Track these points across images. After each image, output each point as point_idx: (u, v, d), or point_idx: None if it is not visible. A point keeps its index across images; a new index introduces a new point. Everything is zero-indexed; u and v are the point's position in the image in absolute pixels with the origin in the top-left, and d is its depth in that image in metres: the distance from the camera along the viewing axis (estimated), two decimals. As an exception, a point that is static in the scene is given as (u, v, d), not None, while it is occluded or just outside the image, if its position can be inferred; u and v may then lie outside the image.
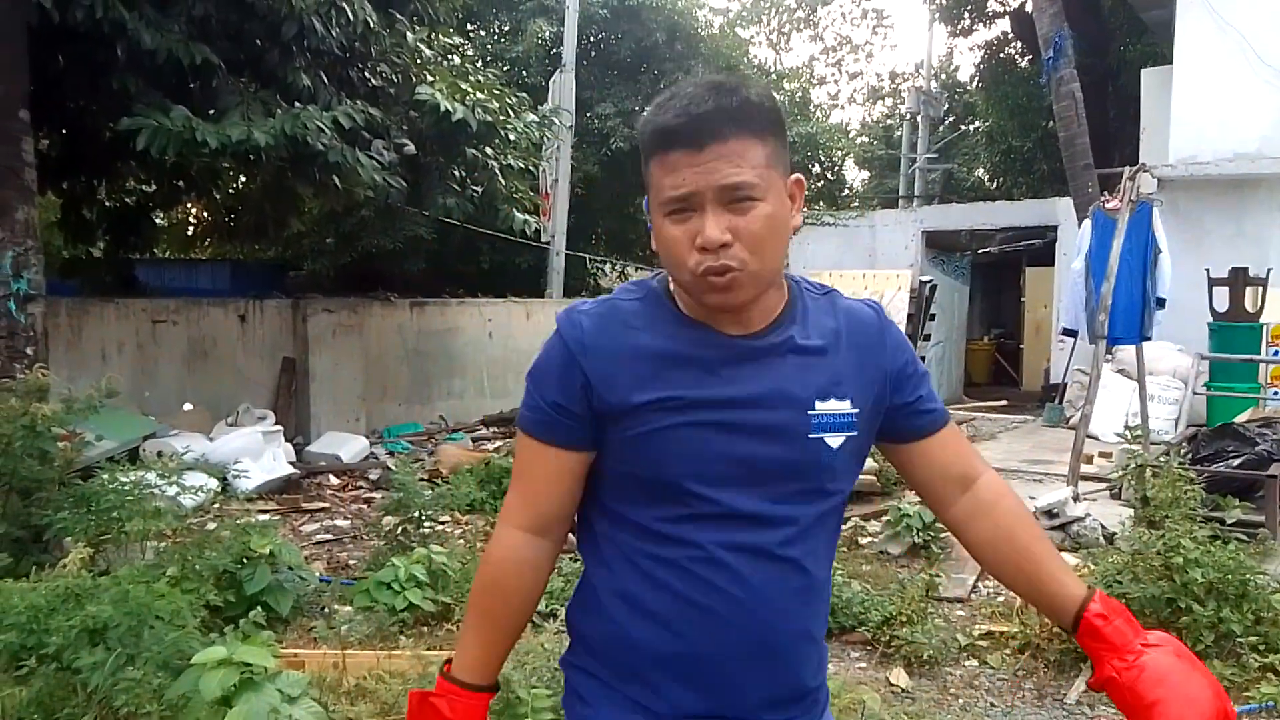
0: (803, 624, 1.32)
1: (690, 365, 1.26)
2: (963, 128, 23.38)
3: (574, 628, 1.40)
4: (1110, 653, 1.24)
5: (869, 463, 6.96)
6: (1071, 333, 7.66)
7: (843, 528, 5.95)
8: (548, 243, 12.14)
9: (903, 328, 12.65)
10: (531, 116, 9.24)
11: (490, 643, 1.36)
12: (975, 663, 4.07)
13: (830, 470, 1.30)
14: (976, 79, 21.78)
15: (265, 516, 5.89)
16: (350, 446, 8.59)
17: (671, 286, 1.32)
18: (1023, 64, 18.62)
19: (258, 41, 7.02)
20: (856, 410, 1.31)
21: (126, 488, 4.23)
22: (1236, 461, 5.81)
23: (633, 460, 1.27)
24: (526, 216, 9.52)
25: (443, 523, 5.79)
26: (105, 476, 4.31)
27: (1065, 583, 1.31)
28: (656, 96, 1.28)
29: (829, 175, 21.49)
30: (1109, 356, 8.16)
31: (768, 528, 1.27)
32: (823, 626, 1.37)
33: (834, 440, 1.29)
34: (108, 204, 9.62)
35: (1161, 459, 4.95)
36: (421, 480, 5.72)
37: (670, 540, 1.27)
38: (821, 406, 1.29)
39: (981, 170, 23.07)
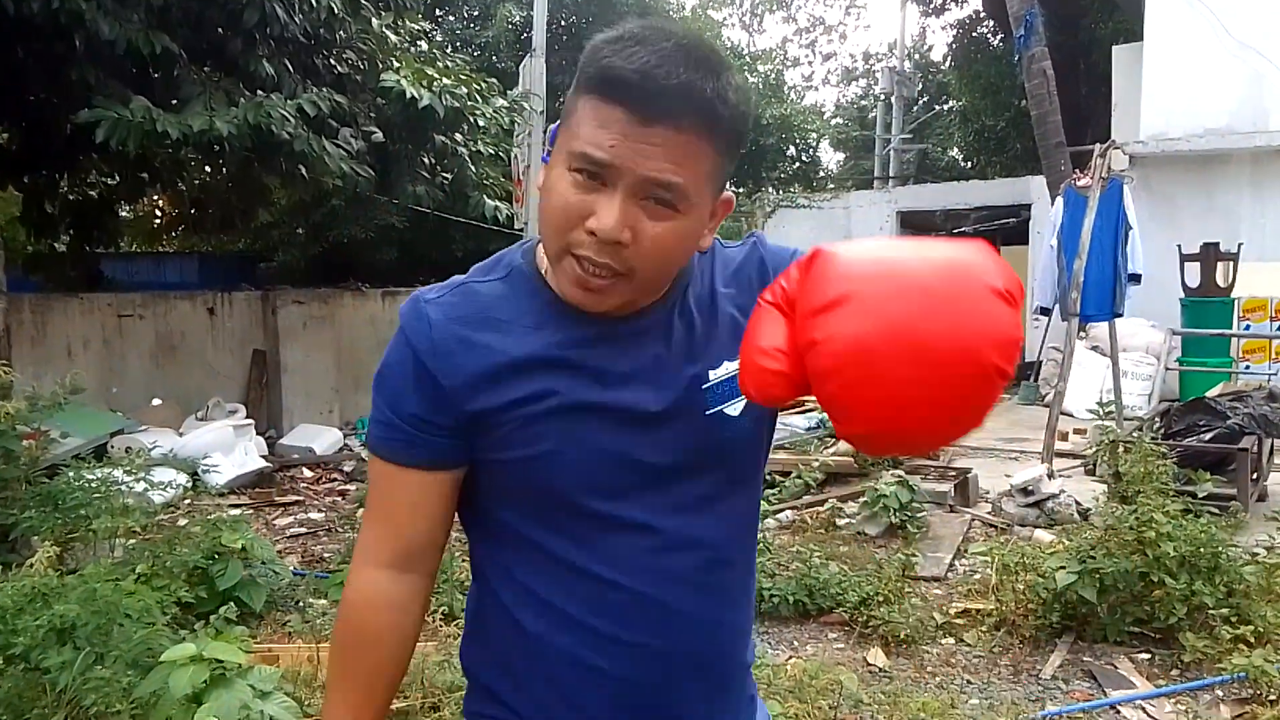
0: (734, 640, 1.19)
1: (564, 363, 1.07)
2: (936, 108, 23.45)
3: (474, 664, 1.21)
4: None
5: (844, 444, 6.93)
6: (1046, 311, 7.70)
7: (821, 510, 5.95)
8: (521, 229, 12.03)
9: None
10: (501, 102, 9.15)
11: (359, 705, 1.14)
12: (952, 641, 4.08)
13: (735, 446, 1.13)
14: (949, 59, 21.81)
15: (237, 511, 5.83)
16: (323, 439, 8.52)
17: (540, 262, 1.11)
18: (995, 43, 18.65)
19: (219, 30, 6.90)
20: None
21: (94, 485, 4.17)
22: (1208, 436, 5.85)
23: (516, 476, 1.08)
24: (498, 203, 9.44)
25: (418, 513, 5.74)
26: (72, 474, 4.25)
27: None
28: (624, 24, 1.04)
29: (804, 157, 21.46)
30: (1082, 334, 8.20)
31: (684, 547, 1.10)
32: (749, 617, 1.24)
33: (735, 408, 1.11)
34: (70, 197, 9.44)
35: (1134, 434, 4.98)
36: (396, 471, 5.68)
37: (576, 570, 1.09)
38: (715, 374, 1.10)
39: (955, 150, 23.14)
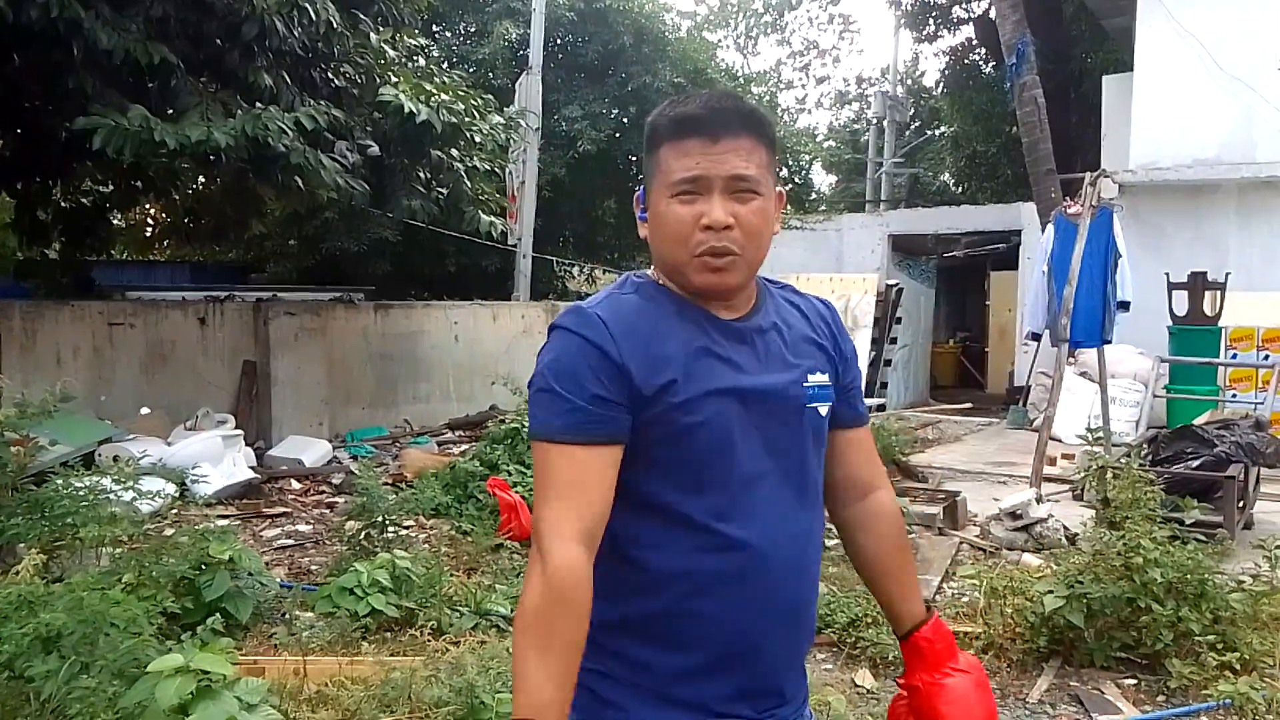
0: (812, 594, 1.46)
1: (704, 351, 1.33)
2: (928, 133, 23.60)
3: (605, 622, 1.32)
4: (924, 669, 1.43)
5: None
6: (1036, 336, 7.74)
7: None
8: (514, 245, 12.08)
9: (869, 331, 12.80)
10: (497, 118, 9.19)
11: (561, 675, 1.19)
12: (940, 663, 4.08)
13: (821, 438, 1.42)
14: (942, 84, 22.00)
15: (225, 522, 5.77)
16: (312, 451, 8.48)
17: (660, 279, 1.39)
18: (987, 70, 18.82)
19: (218, 41, 6.94)
20: (832, 384, 1.44)
21: (81, 493, 4.16)
22: (1195, 463, 5.88)
23: (676, 446, 1.30)
24: (493, 219, 9.47)
25: (406, 527, 5.73)
26: (60, 482, 4.24)
27: (913, 602, 1.50)
28: (666, 101, 1.41)
29: (796, 179, 21.60)
30: (1071, 359, 8.26)
31: (800, 508, 1.37)
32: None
33: (824, 409, 1.41)
34: (63, 204, 9.45)
35: (1122, 460, 5.00)
36: (385, 484, 5.67)
37: (712, 531, 1.30)
38: (812, 379, 1.40)
39: (947, 175, 23.30)
